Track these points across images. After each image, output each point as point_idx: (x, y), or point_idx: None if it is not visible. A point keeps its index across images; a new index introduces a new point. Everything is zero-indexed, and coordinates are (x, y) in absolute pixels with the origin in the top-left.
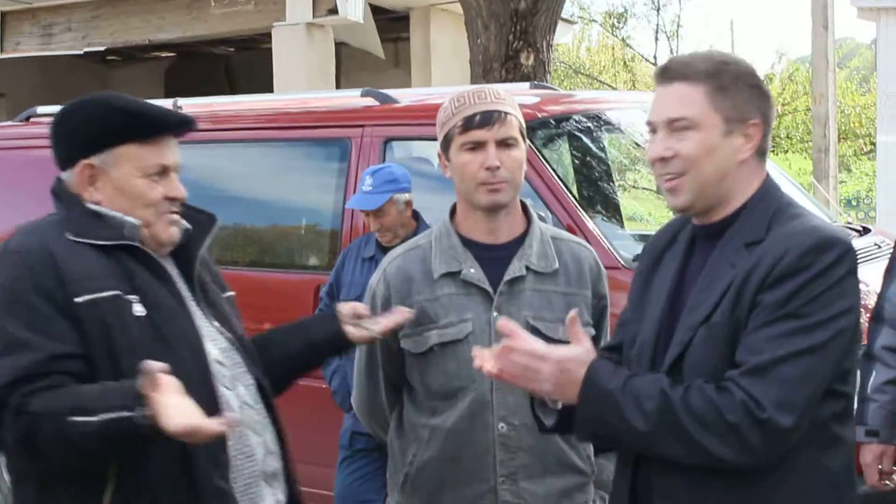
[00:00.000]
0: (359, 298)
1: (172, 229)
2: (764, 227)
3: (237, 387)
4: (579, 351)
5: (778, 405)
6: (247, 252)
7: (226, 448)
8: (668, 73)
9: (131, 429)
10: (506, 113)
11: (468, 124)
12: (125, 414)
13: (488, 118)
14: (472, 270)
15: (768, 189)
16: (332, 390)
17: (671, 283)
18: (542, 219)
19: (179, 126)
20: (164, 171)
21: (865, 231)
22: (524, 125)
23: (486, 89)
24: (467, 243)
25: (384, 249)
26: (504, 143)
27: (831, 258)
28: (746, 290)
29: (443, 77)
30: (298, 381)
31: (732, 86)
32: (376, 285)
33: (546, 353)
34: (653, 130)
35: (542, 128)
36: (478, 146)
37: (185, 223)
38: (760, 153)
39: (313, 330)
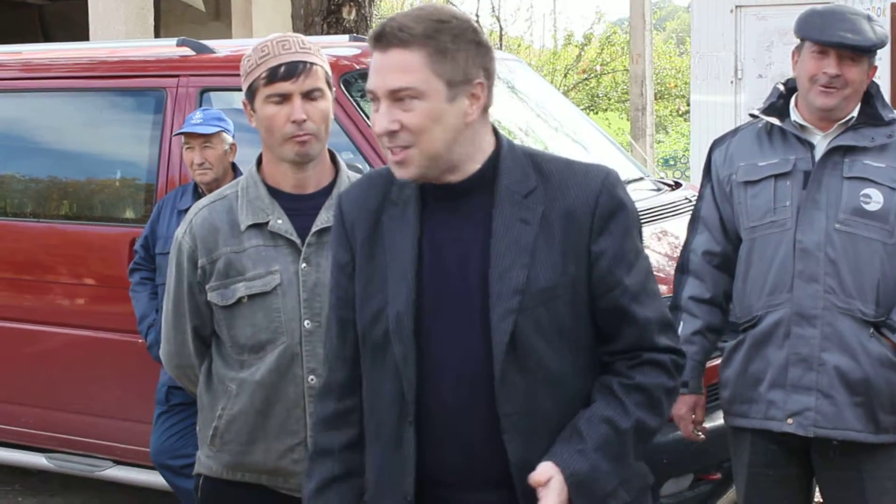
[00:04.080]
0: None
1: None
2: (530, 175)
3: None
4: (555, 483)
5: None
6: (61, 205)
7: None
8: (385, 39)
9: None
10: (311, 63)
11: (272, 76)
12: None
13: (293, 70)
14: (280, 222)
15: (504, 139)
16: (147, 344)
17: (412, 249)
18: (359, 171)
19: None
20: None
21: (677, 185)
22: (331, 75)
23: (291, 38)
24: (275, 194)
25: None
26: (309, 95)
27: (623, 186)
28: (572, 246)
29: (265, 31)
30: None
31: (453, 46)
32: (182, 237)
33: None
34: (374, 99)
35: (361, 79)
36: (283, 98)
37: None
38: (485, 109)
39: None
